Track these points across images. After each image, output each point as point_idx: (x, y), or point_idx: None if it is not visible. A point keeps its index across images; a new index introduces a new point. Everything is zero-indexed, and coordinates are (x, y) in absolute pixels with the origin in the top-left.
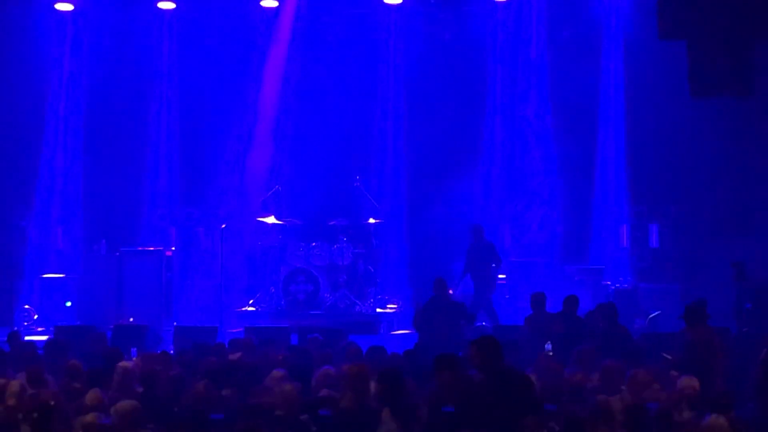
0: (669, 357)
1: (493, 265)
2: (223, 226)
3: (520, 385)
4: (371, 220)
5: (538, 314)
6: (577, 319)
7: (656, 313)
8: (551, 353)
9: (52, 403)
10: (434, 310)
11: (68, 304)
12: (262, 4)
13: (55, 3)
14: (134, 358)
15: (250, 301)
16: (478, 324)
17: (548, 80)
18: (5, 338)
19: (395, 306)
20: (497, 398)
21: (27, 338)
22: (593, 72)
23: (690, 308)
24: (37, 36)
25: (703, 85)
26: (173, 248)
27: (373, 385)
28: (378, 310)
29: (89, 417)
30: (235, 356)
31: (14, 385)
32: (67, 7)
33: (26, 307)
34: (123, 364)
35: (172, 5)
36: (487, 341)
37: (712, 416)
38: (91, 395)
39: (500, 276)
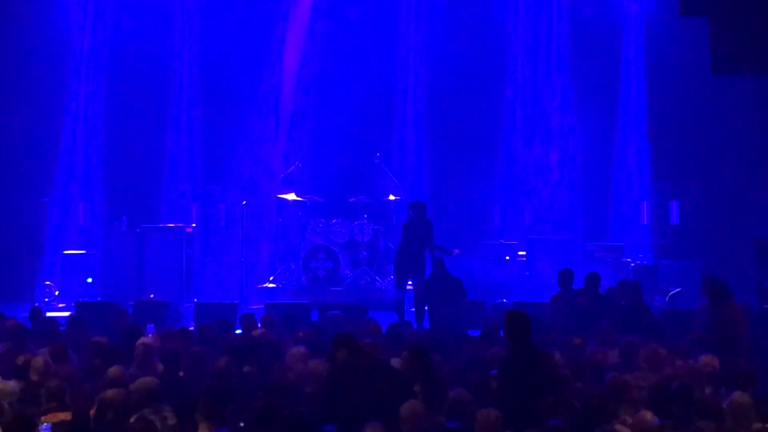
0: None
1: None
2: (244, 202)
3: (542, 364)
4: (391, 197)
5: (564, 292)
6: (599, 296)
7: (676, 290)
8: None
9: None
10: (436, 286)
11: (89, 280)
12: None
13: None
14: (151, 334)
15: (271, 278)
16: (499, 300)
17: (569, 57)
18: (27, 314)
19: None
20: (522, 374)
21: (48, 314)
22: (614, 48)
23: (714, 286)
24: (57, 12)
25: (725, 62)
26: (194, 225)
27: (396, 361)
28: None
29: (110, 393)
30: (257, 332)
31: (38, 361)
32: None
33: (47, 283)
34: (143, 340)
35: None
36: (518, 315)
37: (736, 393)
38: (114, 371)
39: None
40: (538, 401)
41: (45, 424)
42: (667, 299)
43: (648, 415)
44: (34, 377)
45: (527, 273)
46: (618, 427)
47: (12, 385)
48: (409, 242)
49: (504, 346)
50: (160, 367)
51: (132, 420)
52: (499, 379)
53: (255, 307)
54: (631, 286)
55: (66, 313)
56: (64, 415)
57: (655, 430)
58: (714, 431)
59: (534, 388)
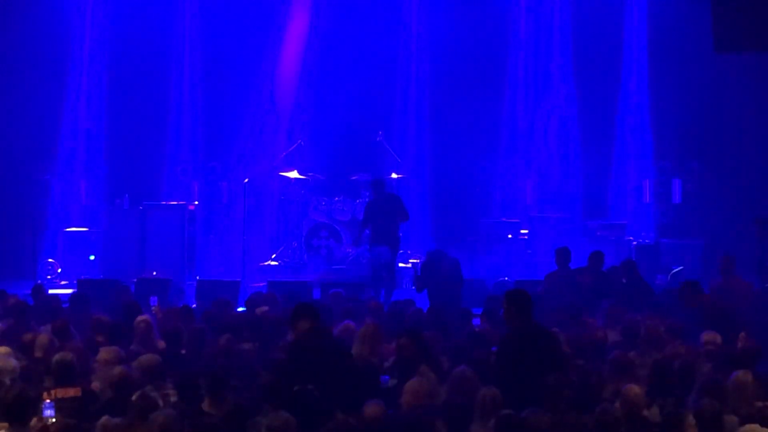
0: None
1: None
2: (246, 180)
3: (547, 342)
4: (394, 175)
5: (562, 270)
6: (602, 274)
7: (678, 268)
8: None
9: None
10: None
11: (92, 258)
12: None
13: None
14: (154, 307)
15: (273, 256)
16: (501, 278)
17: (571, 35)
18: (29, 292)
19: (417, 260)
20: (524, 353)
21: (51, 292)
22: (616, 26)
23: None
24: None
25: (727, 40)
26: (196, 202)
27: (396, 342)
28: (400, 264)
29: (114, 370)
30: (260, 310)
31: (42, 338)
32: None
33: (50, 260)
34: (143, 317)
35: None
36: (519, 294)
37: (738, 372)
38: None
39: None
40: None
41: (47, 401)
42: (669, 277)
43: (635, 388)
44: (38, 354)
45: (529, 251)
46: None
47: (13, 362)
48: (379, 219)
49: (503, 324)
50: (162, 344)
51: (134, 397)
52: (499, 359)
53: (257, 284)
54: (632, 263)
55: (68, 291)
56: (74, 391)
57: (641, 401)
58: (716, 409)
59: (536, 367)
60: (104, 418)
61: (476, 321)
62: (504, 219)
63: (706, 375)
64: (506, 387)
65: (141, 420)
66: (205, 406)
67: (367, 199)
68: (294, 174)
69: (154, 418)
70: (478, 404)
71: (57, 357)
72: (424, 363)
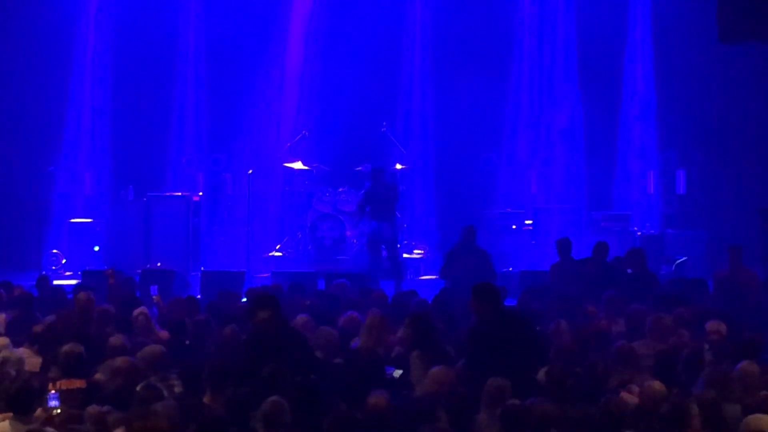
0: None
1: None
2: (250, 171)
3: (518, 329)
4: (398, 166)
5: (564, 260)
6: (607, 265)
7: (683, 259)
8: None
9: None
10: (462, 256)
11: (96, 249)
12: None
13: None
14: (155, 296)
15: (277, 247)
16: (505, 269)
17: (575, 24)
18: (34, 283)
19: (422, 251)
20: (494, 342)
21: (55, 283)
22: (620, 16)
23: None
24: None
25: (731, 31)
26: (200, 193)
27: (401, 330)
28: (405, 255)
29: (119, 361)
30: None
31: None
32: None
33: (54, 251)
34: (140, 310)
35: None
36: (483, 287)
37: (744, 362)
38: (115, 340)
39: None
40: (521, 370)
41: (52, 391)
42: (673, 268)
43: (656, 384)
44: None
45: (533, 242)
46: (624, 395)
47: (19, 352)
48: (377, 205)
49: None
50: (164, 334)
51: (138, 387)
52: (467, 348)
53: (262, 275)
54: (637, 254)
55: (73, 282)
56: (79, 383)
57: (663, 397)
58: (720, 399)
59: (507, 354)
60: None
61: None
62: (509, 210)
63: (711, 365)
64: (475, 376)
65: (145, 410)
66: (207, 398)
67: (365, 188)
68: (298, 165)
69: (155, 409)
70: (485, 394)
71: (65, 348)
72: (419, 349)
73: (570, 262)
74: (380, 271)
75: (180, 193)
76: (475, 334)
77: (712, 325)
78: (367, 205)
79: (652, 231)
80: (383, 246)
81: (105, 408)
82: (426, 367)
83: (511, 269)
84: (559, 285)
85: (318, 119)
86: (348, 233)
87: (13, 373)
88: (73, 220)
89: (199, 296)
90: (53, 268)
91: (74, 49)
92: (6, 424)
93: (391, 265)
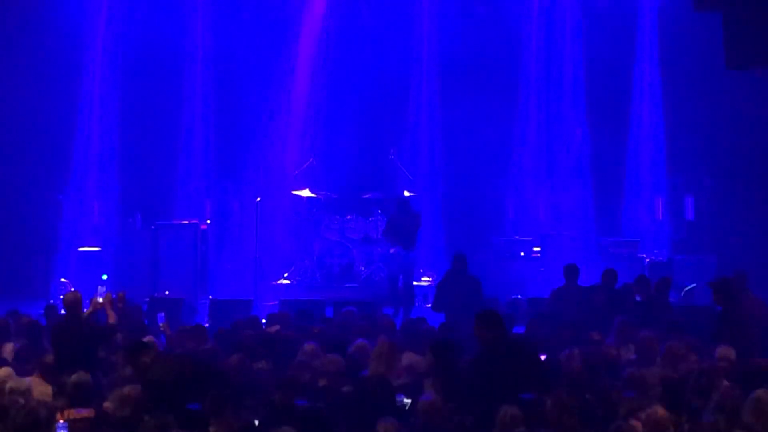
0: None
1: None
2: (258, 199)
3: (522, 357)
4: (406, 193)
5: (569, 285)
6: (615, 292)
7: (691, 285)
8: None
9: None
10: (453, 286)
11: (104, 277)
12: None
13: None
14: (162, 324)
15: (285, 274)
16: (514, 296)
17: (582, 51)
18: (42, 311)
19: (430, 279)
20: (496, 370)
21: (63, 312)
22: (628, 43)
23: (721, 282)
24: (71, 8)
25: (739, 57)
26: (208, 221)
27: (408, 357)
28: (414, 282)
29: (127, 389)
30: (272, 329)
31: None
32: None
33: (62, 280)
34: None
35: None
36: (487, 315)
37: (758, 390)
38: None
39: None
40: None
41: (61, 421)
42: (682, 295)
43: (659, 410)
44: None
45: (542, 269)
46: (634, 423)
47: (27, 381)
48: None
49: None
50: None
51: (147, 417)
52: (469, 375)
53: (269, 303)
54: (646, 281)
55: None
56: (87, 412)
57: (667, 423)
58: (730, 427)
59: (512, 382)
60: None
61: None
62: (517, 237)
63: (721, 391)
64: (474, 402)
65: None
66: (212, 426)
67: (390, 215)
68: (306, 192)
69: None
70: (499, 423)
71: (74, 378)
72: (432, 377)
73: (575, 288)
74: (395, 300)
75: (188, 221)
76: (481, 362)
77: (721, 352)
78: (390, 233)
79: (661, 257)
80: (401, 275)
81: None
82: (439, 393)
83: (519, 296)
84: (558, 309)
85: (326, 147)
86: (357, 263)
87: (21, 401)
88: (81, 249)
89: (207, 324)
90: (62, 297)
91: (82, 77)
92: None
93: (404, 293)
